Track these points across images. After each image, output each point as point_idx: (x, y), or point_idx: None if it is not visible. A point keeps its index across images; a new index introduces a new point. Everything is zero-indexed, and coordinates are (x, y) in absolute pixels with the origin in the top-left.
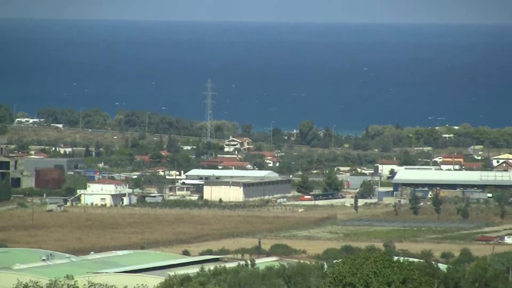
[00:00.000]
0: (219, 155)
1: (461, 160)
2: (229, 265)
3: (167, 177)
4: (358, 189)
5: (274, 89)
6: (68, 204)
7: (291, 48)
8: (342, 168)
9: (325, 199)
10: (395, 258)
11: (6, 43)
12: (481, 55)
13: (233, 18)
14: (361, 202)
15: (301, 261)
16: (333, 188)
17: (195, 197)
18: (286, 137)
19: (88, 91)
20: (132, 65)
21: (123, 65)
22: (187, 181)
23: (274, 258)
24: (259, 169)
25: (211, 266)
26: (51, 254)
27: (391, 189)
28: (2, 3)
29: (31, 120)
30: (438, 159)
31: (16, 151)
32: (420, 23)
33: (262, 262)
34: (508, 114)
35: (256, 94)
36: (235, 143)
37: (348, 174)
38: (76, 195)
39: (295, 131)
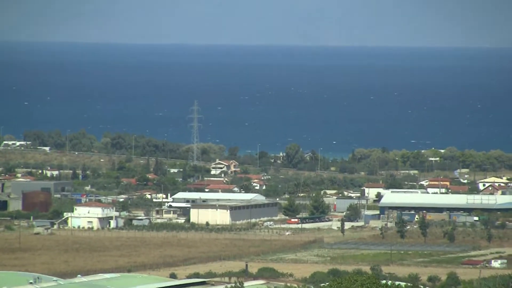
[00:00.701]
0: (205, 178)
1: (447, 183)
2: None
3: (154, 200)
4: (344, 212)
5: (261, 111)
6: (55, 227)
7: (273, 71)
8: (328, 191)
9: (312, 222)
10: (382, 281)
11: None
12: (467, 79)
13: (217, 41)
14: (347, 225)
15: (288, 284)
16: (319, 211)
17: (181, 220)
18: (272, 160)
19: (74, 114)
20: (117, 88)
21: (109, 88)
22: (173, 204)
23: (261, 282)
24: (246, 192)
25: None
26: (38, 277)
27: (377, 212)
28: None
29: (18, 143)
30: (424, 183)
31: (3, 174)
32: (408, 46)
33: (250, 286)
34: (493, 137)
35: (243, 117)
36: (221, 166)
37: (334, 197)
38: (63, 218)
39: (281, 154)
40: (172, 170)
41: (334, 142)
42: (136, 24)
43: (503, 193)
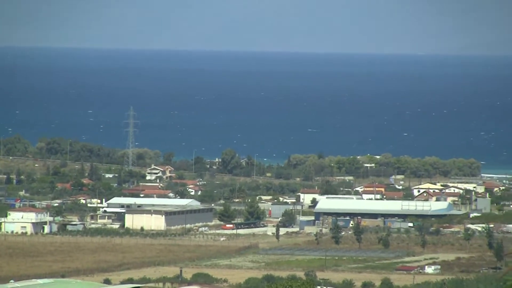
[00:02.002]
0: (141, 183)
1: (382, 189)
2: None
3: (89, 205)
4: (280, 218)
5: (196, 117)
6: None
7: (214, 77)
8: (264, 197)
9: (247, 227)
10: (317, 287)
11: None
12: (404, 85)
13: (155, 46)
14: (282, 231)
15: None
16: (255, 217)
17: (116, 226)
18: (208, 166)
19: (7, 118)
20: (53, 92)
21: (43, 92)
22: (108, 209)
23: (196, 287)
24: (181, 198)
25: None
26: None
27: (312, 218)
28: None
29: None
30: (359, 189)
31: None
32: (351, 52)
33: None
34: (428, 144)
35: (179, 122)
36: (157, 171)
37: (270, 203)
38: None
39: (217, 160)
40: (107, 175)
41: (269, 151)
42: (64, 28)
43: (437, 199)
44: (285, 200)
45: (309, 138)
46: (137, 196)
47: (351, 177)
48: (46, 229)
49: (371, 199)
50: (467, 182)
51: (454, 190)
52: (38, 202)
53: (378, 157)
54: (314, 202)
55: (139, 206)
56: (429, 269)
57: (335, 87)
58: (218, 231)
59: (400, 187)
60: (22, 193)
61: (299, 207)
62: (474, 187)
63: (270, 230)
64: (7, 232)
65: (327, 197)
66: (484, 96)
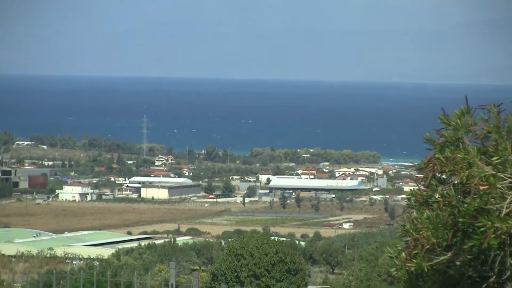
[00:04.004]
0: (151, 168)
1: (315, 172)
2: (158, 241)
3: (117, 182)
4: (245, 191)
5: (189, 123)
6: (50, 199)
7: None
8: (235, 177)
9: (223, 198)
10: (271, 237)
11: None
12: (317, 101)
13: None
14: (247, 200)
15: (207, 239)
16: (228, 191)
17: (135, 196)
18: (197, 156)
19: (59, 124)
20: (86, 106)
21: (82, 106)
22: (130, 185)
23: (189, 237)
24: (179, 177)
25: (146, 242)
26: (39, 233)
27: (267, 191)
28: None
29: (25, 143)
30: (299, 172)
31: (15, 163)
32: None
33: (180, 240)
34: (343, 140)
35: (176, 127)
36: (162, 159)
37: (238, 181)
38: (55, 194)
39: (203, 151)
40: (129, 162)
41: (237, 146)
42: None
43: (351, 179)
44: (248, 179)
45: (264, 137)
46: (149, 176)
47: (293, 164)
48: (88, 198)
49: (307, 178)
50: (371, 167)
51: (362, 172)
52: (83, 180)
53: (311, 150)
54: (269, 180)
55: (150, 182)
56: (345, 225)
57: (279, 104)
58: (203, 200)
59: (326, 171)
60: (72, 173)
61: (258, 184)
62: (376, 171)
63: (239, 199)
64: (62, 199)
65: (277, 177)
66: (377, 111)
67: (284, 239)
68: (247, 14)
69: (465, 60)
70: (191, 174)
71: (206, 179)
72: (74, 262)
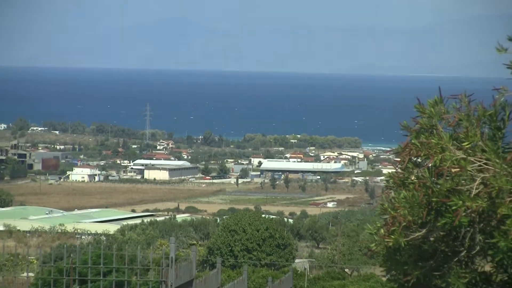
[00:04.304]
0: (154, 151)
1: (302, 156)
2: (159, 218)
3: (122, 164)
4: (239, 173)
5: (188, 111)
6: (62, 180)
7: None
8: (229, 160)
9: (219, 179)
10: (262, 215)
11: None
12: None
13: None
14: (240, 181)
15: (203, 216)
16: (223, 172)
17: (139, 177)
18: (195, 141)
19: (70, 111)
20: (94, 95)
21: (91, 95)
22: (134, 167)
23: (187, 215)
24: (178, 160)
25: (148, 219)
26: (51, 210)
27: (259, 173)
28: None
29: (39, 128)
30: (288, 155)
31: (30, 147)
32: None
33: (180, 217)
34: (327, 126)
35: (176, 114)
36: (163, 144)
37: (233, 164)
38: (66, 175)
39: (200, 137)
40: (133, 146)
41: (231, 132)
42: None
43: (335, 162)
44: (242, 162)
45: (256, 124)
46: (151, 158)
47: (282, 148)
48: (96, 179)
49: (295, 161)
50: (353, 151)
51: (345, 156)
52: (91, 162)
53: (299, 135)
54: (260, 163)
55: (153, 165)
56: (329, 204)
57: (267, 95)
58: (201, 181)
59: (312, 154)
60: (82, 156)
61: (250, 166)
62: (357, 155)
63: (233, 180)
64: (73, 180)
65: (268, 160)
66: (356, 98)
67: (273, 216)
68: (242, 11)
69: (447, 55)
70: (189, 157)
71: (203, 162)
72: (83, 237)
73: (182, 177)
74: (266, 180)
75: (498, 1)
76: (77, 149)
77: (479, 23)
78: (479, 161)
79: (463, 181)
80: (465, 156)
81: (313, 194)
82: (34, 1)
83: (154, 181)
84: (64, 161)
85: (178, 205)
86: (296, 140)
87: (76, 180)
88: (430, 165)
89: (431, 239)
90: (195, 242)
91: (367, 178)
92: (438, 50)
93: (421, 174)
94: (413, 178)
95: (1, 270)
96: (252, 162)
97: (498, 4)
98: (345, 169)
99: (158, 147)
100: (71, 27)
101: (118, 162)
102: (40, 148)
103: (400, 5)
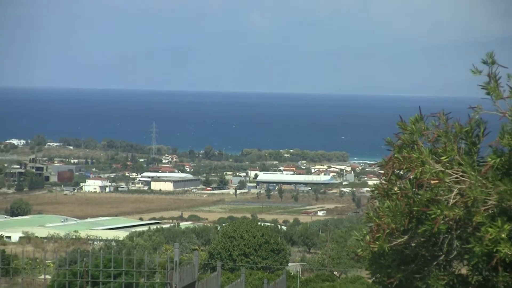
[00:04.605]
0: (159, 165)
1: (294, 169)
2: (164, 226)
3: (130, 176)
4: (237, 184)
5: (191, 128)
6: (75, 191)
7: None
8: (228, 173)
9: (219, 190)
10: (258, 223)
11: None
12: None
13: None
14: (238, 192)
15: (205, 224)
16: (223, 184)
17: (146, 188)
18: (197, 155)
19: (82, 129)
20: (104, 114)
21: (101, 114)
22: (141, 179)
23: (190, 222)
24: (182, 173)
25: (154, 226)
26: (66, 218)
27: (255, 184)
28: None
29: (55, 144)
30: (281, 168)
31: (47, 161)
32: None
33: (183, 224)
34: (317, 142)
35: (179, 131)
36: (168, 158)
37: (231, 176)
38: (80, 186)
39: (202, 151)
40: (141, 160)
41: (229, 147)
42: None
43: (324, 174)
44: (239, 174)
45: (252, 140)
46: (157, 171)
47: (276, 162)
48: (107, 189)
49: (288, 174)
50: (341, 165)
51: (334, 169)
52: (103, 174)
53: (292, 150)
54: (256, 175)
55: (158, 177)
56: (319, 213)
57: (255, 113)
58: (202, 192)
59: (304, 167)
60: (93, 169)
61: (247, 178)
62: (345, 167)
63: (231, 191)
64: (86, 191)
65: (263, 173)
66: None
67: (268, 224)
68: (238, 38)
69: (427, 77)
70: (192, 170)
71: (204, 174)
72: (95, 242)
73: (185, 188)
74: (261, 191)
75: (471, 30)
76: (89, 162)
77: (458, 48)
78: (456, 174)
79: (441, 192)
80: (443, 169)
81: (305, 204)
82: (51, 33)
83: (159, 192)
84: (77, 173)
85: (182, 213)
86: (289, 155)
87: (88, 191)
88: (411, 177)
89: (413, 244)
90: (197, 247)
91: (354, 189)
92: (418, 72)
93: (403, 186)
94: (396, 189)
95: (21, 273)
96: (249, 174)
97: (471, 32)
98: (334, 181)
99: (163, 161)
100: (86, 52)
101: (127, 174)
102: (55, 162)
103: (383, 29)
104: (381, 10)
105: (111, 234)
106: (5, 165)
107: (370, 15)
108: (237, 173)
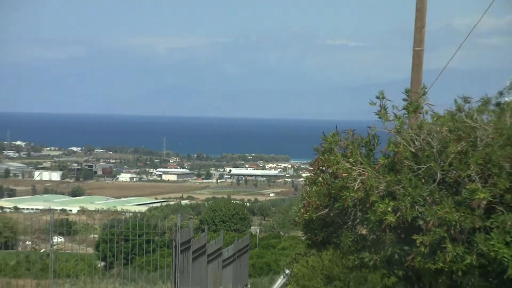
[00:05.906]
0: (168, 164)
1: (255, 166)
2: (171, 203)
3: (149, 171)
4: (218, 176)
5: (189, 139)
6: (114, 180)
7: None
8: (212, 169)
9: (206, 180)
10: (232, 201)
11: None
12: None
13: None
14: (219, 181)
15: (197, 202)
16: (209, 176)
17: (159, 179)
18: (192, 157)
19: (116, 140)
20: (132, 130)
21: (130, 131)
22: (156, 173)
23: (188, 201)
24: (182, 169)
25: (165, 203)
26: (107, 198)
27: (230, 176)
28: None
29: (100, 150)
30: (247, 166)
31: (95, 161)
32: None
33: (183, 202)
34: (269, 149)
35: (183, 141)
36: (173, 159)
37: (214, 171)
38: (116, 177)
39: (195, 155)
40: (155, 160)
41: (212, 152)
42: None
43: (274, 170)
44: (220, 170)
45: (228, 147)
46: (166, 168)
47: (243, 161)
48: (134, 180)
49: (251, 169)
50: (285, 163)
51: (281, 166)
52: (131, 170)
53: (253, 154)
54: (230, 171)
55: (167, 172)
56: (271, 195)
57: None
58: (196, 181)
59: (261, 165)
60: (125, 166)
61: (225, 172)
62: (288, 165)
63: (214, 180)
64: (120, 180)
65: (235, 169)
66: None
67: (238, 201)
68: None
69: (348, 105)
70: (189, 167)
71: (197, 170)
72: (126, 214)
73: (185, 179)
74: (234, 181)
75: (372, 76)
76: (122, 162)
77: (363, 88)
78: (359, 170)
79: (349, 181)
80: (350, 166)
81: (261, 189)
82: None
83: (168, 181)
84: (115, 169)
85: (182, 195)
86: (251, 157)
87: (122, 181)
88: (330, 171)
89: (331, 215)
90: (192, 216)
91: (293, 179)
92: (342, 103)
93: (325, 177)
94: (320, 179)
95: (78, 233)
96: (225, 170)
97: (372, 78)
98: (280, 174)
99: (170, 161)
100: (123, 87)
101: (147, 170)
102: (101, 161)
103: (313, 75)
104: (312, 63)
105: (137, 208)
106: (68, 164)
107: (305, 65)
108: (218, 169)
